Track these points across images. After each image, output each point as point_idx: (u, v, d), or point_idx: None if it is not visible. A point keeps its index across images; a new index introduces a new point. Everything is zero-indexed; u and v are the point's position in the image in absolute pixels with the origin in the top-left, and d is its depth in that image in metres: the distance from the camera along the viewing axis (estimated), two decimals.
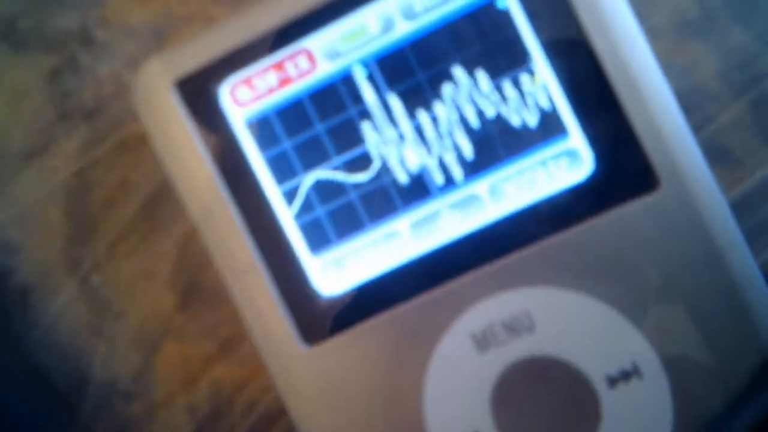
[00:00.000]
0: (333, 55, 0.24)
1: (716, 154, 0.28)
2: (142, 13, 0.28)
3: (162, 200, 0.29)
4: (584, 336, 0.25)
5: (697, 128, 0.28)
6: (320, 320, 0.25)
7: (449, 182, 0.25)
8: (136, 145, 0.29)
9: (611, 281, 0.24)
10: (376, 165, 0.25)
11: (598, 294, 0.24)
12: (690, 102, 0.27)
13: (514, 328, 0.25)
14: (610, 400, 0.24)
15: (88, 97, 0.29)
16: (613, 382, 0.24)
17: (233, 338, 0.29)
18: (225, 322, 0.29)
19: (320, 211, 0.25)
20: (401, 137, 0.25)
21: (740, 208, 0.28)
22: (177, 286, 0.29)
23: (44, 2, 0.29)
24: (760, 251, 0.28)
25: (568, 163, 0.24)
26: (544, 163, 0.24)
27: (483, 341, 0.25)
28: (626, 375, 0.24)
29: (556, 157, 0.24)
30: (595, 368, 0.25)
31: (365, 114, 0.25)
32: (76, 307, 0.29)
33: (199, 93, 0.25)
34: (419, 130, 0.25)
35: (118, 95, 0.29)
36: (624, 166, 0.24)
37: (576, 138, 0.24)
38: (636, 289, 0.24)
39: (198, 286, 0.29)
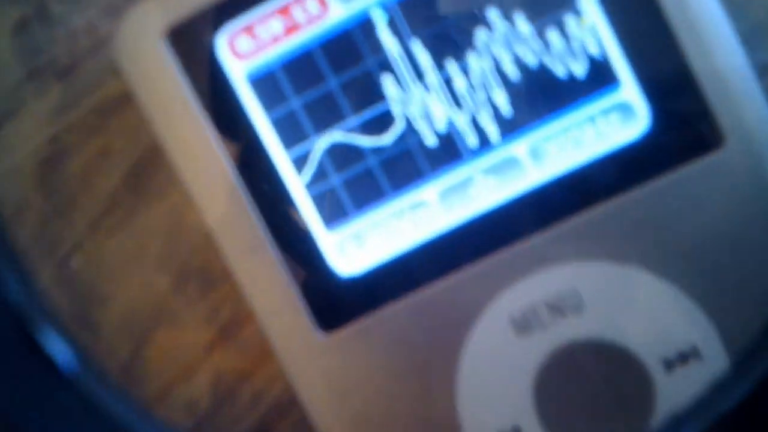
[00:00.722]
0: None
1: None
2: None
3: (149, 169, 0.27)
4: (639, 316, 0.23)
5: (762, 73, 0.25)
6: (338, 305, 0.23)
7: (483, 143, 0.22)
8: (118, 107, 0.26)
9: (670, 253, 0.22)
10: (399, 125, 0.22)
11: (654, 268, 0.22)
12: (754, 43, 0.25)
13: (559, 308, 0.23)
14: (666, 385, 0.23)
15: (61, 52, 0.26)
16: (670, 365, 0.23)
17: (234, 322, 0.27)
18: (224, 305, 0.27)
19: (336, 179, 0.23)
20: (428, 91, 0.22)
21: None
22: (169, 266, 0.27)
23: None
24: None
25: (620, 118, 0.22)
26: (592, 119, 0.22)
27: (523, 324, 0.23)
28: (685, 357, 0.23)
29: (607, 111, 0.22)
30: (650, 351, 0.23)
31: (386, 66, 0.22)
32: (55, 294, 0.27)
33: (192, 45, 0.23)
34: (449, 84, 0.22)
35: (96, 50, 0.26)
36: (684, 120, 0.22)
37: (629, 89, 0.22)
38: (698, 261, 0.22)
39: (193, 265, 0.27)
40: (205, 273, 0.27)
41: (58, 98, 0.26)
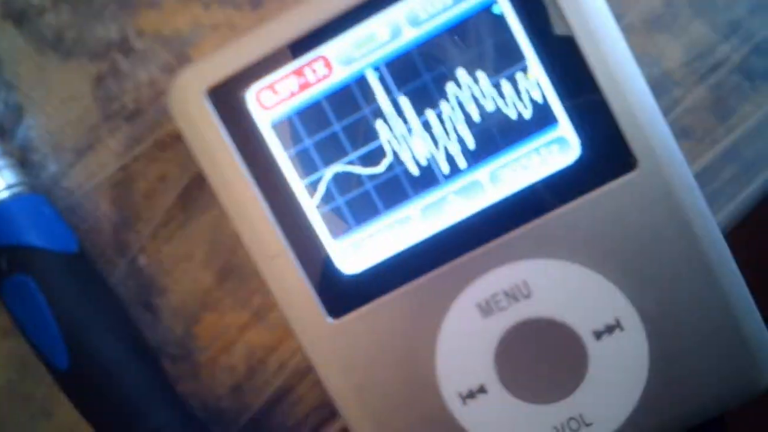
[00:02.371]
0: (347, 60, 0.24)
1: (682, 133, 0.28)
2: (174, 22, 0.28)
3: (196, 191, 0.29)
4: (574, 298, 0.25)
5: (665, 111, 0.28)
6: (343, 296, 0.25)
7: (454, 170, 0.25)
8: (173, 142, 0.28)
9: (597, 251, 0.25)
10: (388, 158, 0.25)
11: (585, 262, 0.25)
12: (659, 88, 0.28)
13: (513, 295, 0.25)
14: (596, 351, 0.25)
15: (129, 100, 0.28)
16: (598, 335, 0.25)
17: (263, 308, 0.29)
18: (255, 294, 0.29)
19: (340, 200, 0.25)
20: (410, 132, 0.25)
21: (701, 177, 0.28)
22: (212, 265, 0.29)
23: (87, 15, 0.28)
24: (717, 212, 0.28)
25: (558, 149, 0.25)
26: (537, 150, 0.25)
27: (487, 308, 0.25)
28: (610, 328, 0.25)
29: (548, 144, 0.24)
30: (583, 324, 0.25)
31: (378, 112, 0.25)
32: (126, 286, 0.29)
33: (228, 99, 0.25)
34: (426, 125, 0.25)
35: (156, 98, 0.28)
36: (606, 149, 0.24)
37: (565, 126, 0.24)
38: (618, 256, 0.25)
39: (230, 265, 0.29)
40: (240, 270, 0.29)
41: (127, 136, 0.28)
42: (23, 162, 0.28)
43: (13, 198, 0.27)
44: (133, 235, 0.29)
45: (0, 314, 0.29)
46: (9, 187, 0.27)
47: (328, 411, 0.30)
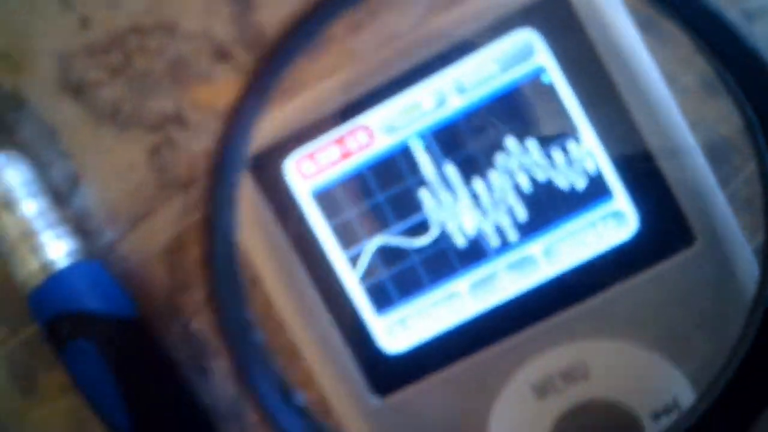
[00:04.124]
0: (390, 129, 0.22)
1: (743, 206, 0.24)
2: (226, 96, 0.26)
3: (246, 260, 0.25)
4: (633, 379, 0.22)
5: (725, 181, 0.24)
6: (388, 375, 0.22)
7: (505, 244, 0.22)
8: None
9: (655, 330, 0.21)
10: (435, 230, 0.22)
11: (643, 342, 0.21)
12: (718, 156, 0.23)
13: (570, 376, 0.22)
14: None
15: (184, 170, 0.26)
16: (657, 416, 0.21)
17: (302, 384, 0.25)
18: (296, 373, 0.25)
19: (384, 274, 0.22)
20: (458, 203, 0.22)
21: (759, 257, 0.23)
22: (263, 329, 0.25)
23: (144, 88, 0.27)
24: None
25: (614, 223, 0.21)
26: (593, 224, 0.21)
27: (542, 390, 0.22)
28: (668, 409, 0.21)
29: (604, 218, 0.21)
30: (642, 406, 0.22)
31: (423, 183, 0.22)
32: (180, 348, 0.27)
33: (268, 168, 0.22)
34: (475, 196, 0.22)
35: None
36: (664, 224, 0.21)
37: (620, 199, 0.21)
38: (677, 335, 0.21)
39: (275, 343, 0.25)
40: (283, 351, 0.25)
41: (180, 205, 0.26)
42: (79, 230, 0.26)
43: (73, 265, 0.25)
44: (186, 300, 0.27)
45: (58, 372, 0.26)
46: (69, 254, 0.25)
47: None
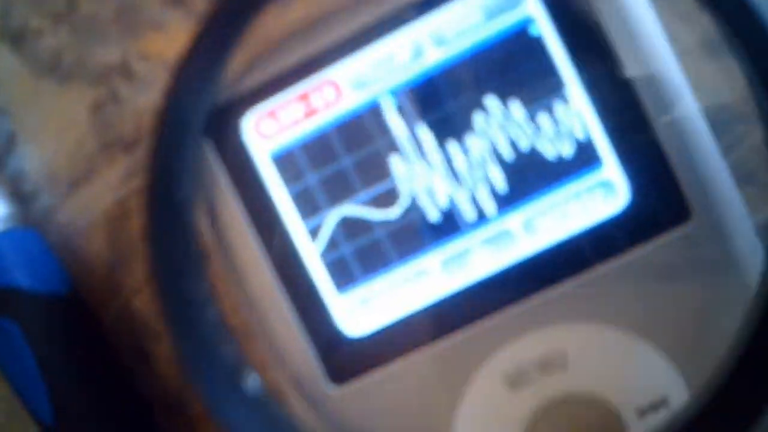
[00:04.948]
0: (360, 84, 0.20)
1: (743, 180, 0.22)
2: (179, 46, 0.23)
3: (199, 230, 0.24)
4: (617, 371, 0.20)
5: (727, 150, 0.22)
6: (347, 360, 0.21)
7: (481, 217, 0.20)
8: None
9: (645, 315, 0.20)
10: (404, 200, 0.20)
11: (631, 328, 0.20)
12: (720, 123, 0.22)
13: (547, 366, 0.20)
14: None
15: (129, 128, 0.25)
16: (642, 413, 0.20)
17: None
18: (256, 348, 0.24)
19: (346, 248, 0.20)
20: (431, 170, 0.20)
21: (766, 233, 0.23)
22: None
23: (86, 38, 0.25)
24: None
25: (602, 195, 0.20)
26: (579, 195, 0.20)
27: (515, 381, 0.20)
28: (656, 407, 0.20)
29: (592, 188, 0.20)
30: (627, 402, 0.20)
31: (393, 146, 0.20)
32: (118, 330, 0.25)
33: (222, 127, 0.21)
34: (450, 163, 0.20)
35: None
36: (658, 197, 0.19)
37: (611, 168, 0.19)
38: (669, 322, 0.20)
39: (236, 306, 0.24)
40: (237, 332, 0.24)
41: (124, 167, 0.25)
42: (14, 194, 0.25)
43: (5, 232, 0.23)
44: (128, 275, 0.25)
45: None
46: (1, 219, 0.23)
47: None
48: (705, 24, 0.21)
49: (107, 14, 0.25)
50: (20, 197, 0.25)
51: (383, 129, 0.20)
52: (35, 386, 0.23)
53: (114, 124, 0.25)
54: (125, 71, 0.24)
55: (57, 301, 0.23)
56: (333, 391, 0.20)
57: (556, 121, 0.19)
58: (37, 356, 0.22)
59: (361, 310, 0.21)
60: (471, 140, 0.19)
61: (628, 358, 0.20)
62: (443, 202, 0.20)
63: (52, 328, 0.23)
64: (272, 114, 0.20)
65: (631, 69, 0.19)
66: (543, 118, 0.19)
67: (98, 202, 0.25)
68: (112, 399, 0.24)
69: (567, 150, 0.19)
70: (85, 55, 0.25)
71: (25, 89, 0.25)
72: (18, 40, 0.25)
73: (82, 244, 0.25)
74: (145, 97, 0.25)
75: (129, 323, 0.25)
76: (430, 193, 0.20)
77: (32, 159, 0.25)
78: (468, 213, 0.20)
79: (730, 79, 0.22)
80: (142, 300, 0.25)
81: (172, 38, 0.24)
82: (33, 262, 0.23)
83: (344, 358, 0.21)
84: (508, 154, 0.19)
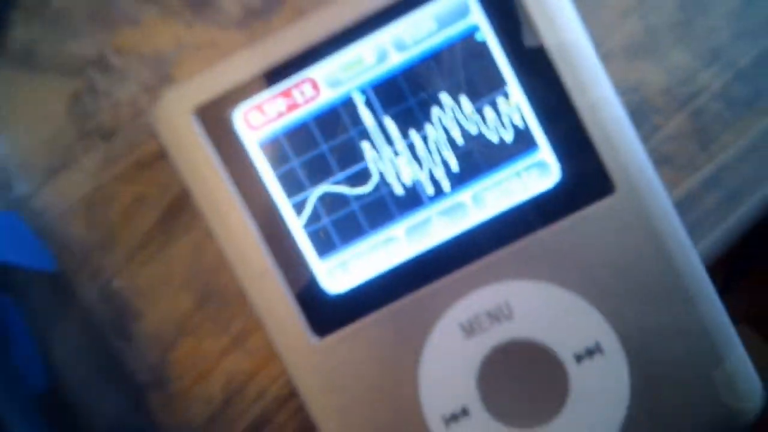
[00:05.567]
0: (334, 82, 0.26)
1: (662, 160, 0.30)
2: (154, 41, 0.29)
3: (176, 212, 0.30)
4: (555, 320, 0.27)
5: (646, 138, 0.30)
6: (327, 316, 0.27)
7: (438, 192, 0.27)
8: (152, 163, 0.30)
9: (577, 273, 0.27)
10: (374, 179, 0.27)
11: (566, 284, 0.27)
12: (640, 115, 0.30)
13: (496, 316, 0.27)
14: (577, 375, 0.27)
15: (106, 119, 0.30)
16: (579, 358, 0.27)
17: (244, 333, 0.30)
18: (236, 319, 0.30)
19: (326, 220, 0.27)
20: (396, 154, 0.27)
21: (683, 205, 0.31)
22: (192, 288, 0.30)
23: (61, 30, 0.30)
24: (698, 240, 0.31)
25: (538, 173, 0.27)
26: (518, 173, 0.27)
27: (469, 329, 0.27)
28: (590, 352, 0.27)
29: (529, 168, 0.27)
30: (564, 347, 0.27)
31: (364, 134, 0.27)
32: (99, 310, 0.31)
33: (215, 118, 0.26)
34: (412, 148, 0.27)
35: (135, 118, 0.30)
36: (585, 174, 0.27)
37: (545, 151, 0.27)
38: (598, 279, 0.27)
39: (211, 288, 0.30)
40: (221, 294, 0.30)
41: (103, 155, 0.30)
42: None
43: None
44: (107, 258, 0.30)
45: None
46: None
47: None
48: (626, 31, 0.29)
49: (81, 7, 0.29)
50: (0, 185, 0.30)
51: (355, 120, 0.26)
52: (29, 355, 0.28)
53: (91, 114, 0.30)
54: (101, 64, 0.29)
55: (46, 277, 0.28)
56: (317, 343, 0.27)
57: (498, 113, 0.26)
58: (31, 327, 0.28)
59: (339, 272, 0.27)
60: (428, 129, 0.26)
61: (564, 309, 0.27)
62: (407, 180, 0.27)
63: (43, 300, 0.28)
64: (259, 107, 0.26)
65: (561, 69, 0.26)
66: (488, 110, 0.26)
67: (77, 188, 0.30)
68: (101, 368, 0.30)
69: (508, 137, 0.26)
70: (61, 48, 0.29)
71: (1, 80, 0.30)
72: None
73: (62, 229, 0.30)
74: (122, 89, 0.30)
75: (110, 303, 0.30)
76: (396, 173, 0.26)
77: (11, 148, 0.30)
78: (427, 189, 0.27)
79: (648, 79, 0.30)
80: (123, 280, 0.30)
81: (146, 33, 0.29)
82: (18, 241, 0.28)
83: (326, 313, 0.27)
84: (459, 141, 0.26)
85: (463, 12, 0.26)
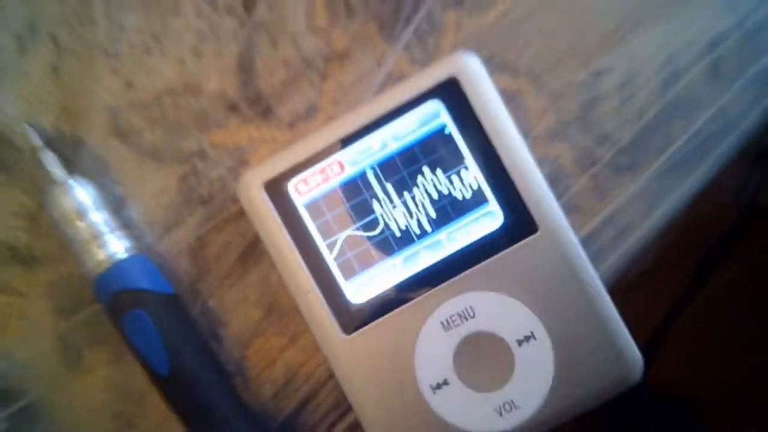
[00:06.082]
0: (353, 162, 0.36)
1: (572, 209, 0.38)
2: (236, 138, 0.39)
3: (250, 253, 0.39)
4: (504, 317, 0.35)
5: (561, 193, 0.38)
6: (353, 319, 0.36)
7: (423, 233, 0.36)
8: (234, 220, 0.39)
9: (518, 285, 0.35)
10: (381, 225, 0.36)
11: (511, 293, 0.36)
12: (557, 178, 0.38)
13: (464, 316, 0.36)
14: (520, 354, 0.35)
15: (204, 191, 0.38)
16: (520, 343, 0.35)
17: (296, 334, 0.39)
18: (291, 325, 0.39)
19: (350, 254, 0.36)
20: (395, 208, 0.36)
21: (588, 240, 0.38)
22: (261, 305, 0.39)
23: (175, 133, 0.39)
24: (599, 265, 0.38)
25: (489, 219, 0.36)
26: (476, 219, 0.36)
27: (447, 325, 0.36)
28: (527, 338, 0.35)
29: (482, 216, 0.36)
30: (510, 335, 0.35)
31: (374, 196, 0.36)
32: (201, 320, 0.39)
33: (277, 189, 0.35)
34: (405, 203, 0.36)
35: (222, 190, 0.39)
36: (518, 219, 0.36)
37: (492, 204, 0.36)
38: (532, 290, 0.36)
39: (273, 305, 0.39)
40: (281, 308, 0.39)
41: (202, 216, 0.39)
42: (129, 234, 0.37)
43: (129, 257, 0.37)
44: (205, 285, 0.39)
45: (106, 346, 0.39)
46: (127, 249, 0.37)
47: (341, 410, 0.39)
48: (545, 122, 0.38)
49: (188, 117, 0.38)
50: (134, 236, 0.38)
51: (367, 187, 0.35)
52: (158, 352, 0.36)
53: (194, 188, 0.38)
54: (201, 155, 0.39)
55: (168, 297, 0.37)
56: (345, 338, 0.35)
57: (461, 179, 0.36)
58: (160, 331, 0.36)
59: (359, 289, 0.35)
60: (416, 191, 0.36)
61: (509, 309, 0.35)
62: (402, 225, 0.36)
63: (167, 313, 0.37)
64: (304, 180, 0.35)
65: (502, 151, 0.35)
66: (454, 178, 0.36)
67: (184, 238, 0.39)
68: (206, 361, 0.37)
69: (468, 195, 0.35)
70: (174, 145, 0.39)
71: (132, 168, 0.39)
72: (125, 136, 0.38)
73: (175, 265, 0.39)
74: (215, 171, 0.39)
75: (207, 315, 0.38)
76: (395, 221, 0.36)
77: (137, 213, 0.39)
78: (416, 231, 0.36)
79: (563, 153, 0.38)
80: (215, 300, 0.39)
81: (230, 133, 0.39)
82: (148, 274, 0.37)
83: (351, 317, 0.35)
84: (436, 198, 0.36)
85: (435, 115, 0.37)
